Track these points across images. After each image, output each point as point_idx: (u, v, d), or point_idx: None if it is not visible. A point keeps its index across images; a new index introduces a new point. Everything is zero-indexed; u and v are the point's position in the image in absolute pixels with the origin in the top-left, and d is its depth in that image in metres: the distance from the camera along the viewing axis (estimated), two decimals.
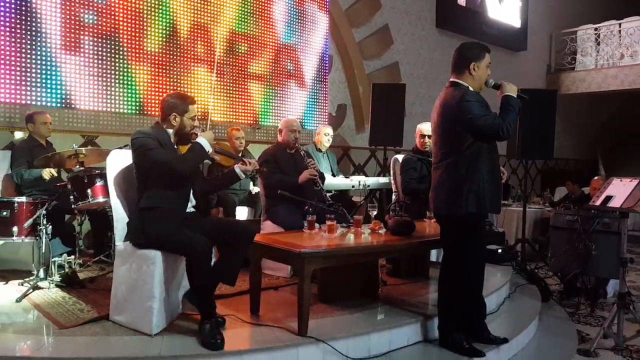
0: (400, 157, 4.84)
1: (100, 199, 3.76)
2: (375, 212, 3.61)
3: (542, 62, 12.14)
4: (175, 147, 2.94)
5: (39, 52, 5.03)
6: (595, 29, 11.61)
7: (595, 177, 6.22)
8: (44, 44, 5.05)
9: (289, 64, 7.08)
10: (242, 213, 5.23)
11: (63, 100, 5.19)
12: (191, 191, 2.95)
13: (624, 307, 3.84)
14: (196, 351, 2.46)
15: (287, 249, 2.76)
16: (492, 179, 2.90)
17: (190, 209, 2.92)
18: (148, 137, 2.78)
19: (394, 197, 5.02)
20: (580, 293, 4.87)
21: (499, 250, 4.98)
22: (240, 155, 4.50)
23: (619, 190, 4.00)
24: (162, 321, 2.70)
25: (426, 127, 4.66)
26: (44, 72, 5.05)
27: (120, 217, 2.91)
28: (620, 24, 11.24)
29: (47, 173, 4.09)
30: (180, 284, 2.87)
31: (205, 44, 6.21)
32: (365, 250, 2.98)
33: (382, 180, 5.61)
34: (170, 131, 2.91)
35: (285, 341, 2.62)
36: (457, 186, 2.87)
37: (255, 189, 5.29)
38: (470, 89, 2.93)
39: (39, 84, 5.04)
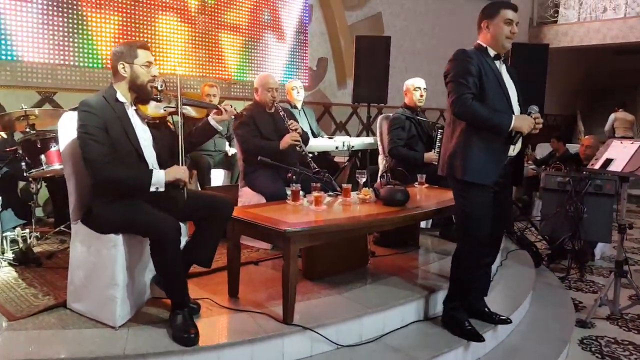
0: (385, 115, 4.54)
1: (56, 166, 3.34)
2: (364, 179, 3.30)
3: (525, 14, 11.75)
4: (133, 106, 2.49)
5: None
6: None
7: (587, 137, 6.02)
8: None
9: (266, 14, 6.54)
10: (217, 177, 4.86)
11: (15, 53, 4.63)
12: (156, 160, 2.52)
13: (621, 276, 3.68)
14: (167, 347, 2.14)
15: (270, 227, 2.42)
16: (487, 146, 2.59)
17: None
18: (92, 113, 2.31)
19: (380, 159, 4.72)
20: (567, 256, 4.74)
21: None
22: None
23: (619, 153, 3.76)
24: (127, 310, 2.36)
25: (420, 80, 4.44)
26: None
27: (74, 189, 2.49)
28: None
29: None
30: (147, 266, 2.51)
31: None
32: (356, 226, 2.67)
33: (367, 140, 5.29)
34: (121, 89, 2.44)
35: (269, 331, 2.33)
36: (450, 150, 2.67)
37: (231, 150, 4.90)
38: (490, 50, 2.66)
39: None
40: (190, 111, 2.80)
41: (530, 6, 11.89)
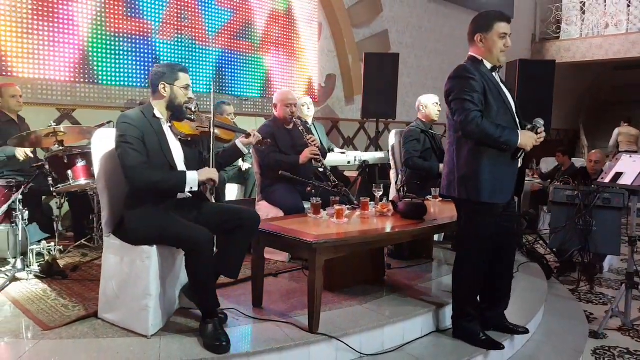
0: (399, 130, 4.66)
1: (82, 181, 3.44)
2: (380, 193, 3.39)
3: (528, 30, 11.93)
4: (169, 123, 2.65)
5: (7, 18, 4.56)
6: None
7: (594, 151, 6.11)
8: (13, 8, 4.59)
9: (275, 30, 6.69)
10: (232, 191, 4.95)
11: (36, 71, 4.76)
12: None
13: (632, 287, 3.74)
14: (199, 355, 2.22)
15: (297, 239, 2.51)
16: (498, 163, 2.58)
17: (186, 194, 2.63)
18: (131, 125, 2.47)
19: (392, 173, 4.81)
20: (576, 268, 4.80)
21: None
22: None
23: (629, 167, 3.85)
24: (159, 320, 2.44)
25: (435, 96, 4.57)
26: (15, 39, 4.60)
27: (107, 204, 2.60)
28: None
29: (22, 153, 3.73)
30: (178, 276, 2.61)
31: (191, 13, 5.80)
32: (378, 239, 2.76)
33: (379, 155, 5.39)
34: (159, 106, 2.60)
35: (295, 339, 2.40)
36: (461, 171, 2.64)
37: (245, 165, 5.00)
38: (485, 62, 2.67)
39: (9, 53, 4.59)
40: (217, 132, 2.94)
41: (533, 22, 12.07)
